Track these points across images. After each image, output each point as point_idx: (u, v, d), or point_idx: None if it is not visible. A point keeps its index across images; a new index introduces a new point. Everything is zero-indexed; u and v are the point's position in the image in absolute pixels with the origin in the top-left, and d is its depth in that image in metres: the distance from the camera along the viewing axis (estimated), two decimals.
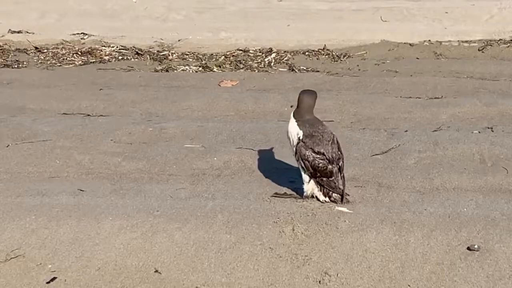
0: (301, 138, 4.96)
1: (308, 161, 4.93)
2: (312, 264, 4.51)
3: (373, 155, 5.88)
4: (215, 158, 5.85)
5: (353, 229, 4.72)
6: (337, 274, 4.45)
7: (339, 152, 4.98)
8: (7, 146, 6.14)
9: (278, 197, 5.14)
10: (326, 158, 4.91)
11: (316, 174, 4.93)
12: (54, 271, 4.53)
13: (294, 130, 5.01)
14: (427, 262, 4.50)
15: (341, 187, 4.95)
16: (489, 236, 4.64)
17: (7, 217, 4.88)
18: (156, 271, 4.52)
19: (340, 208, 4.93)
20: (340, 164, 4.97)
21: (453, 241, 4.60)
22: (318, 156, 4.91)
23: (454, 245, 4.58)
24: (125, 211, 4.96)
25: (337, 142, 5.01)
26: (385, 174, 5.54)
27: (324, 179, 4.93)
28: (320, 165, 4.92)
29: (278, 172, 5.60)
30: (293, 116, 5.04)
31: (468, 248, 4.55)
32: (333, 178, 4.93)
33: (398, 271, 4.46)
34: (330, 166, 4.91)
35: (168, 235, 4.72)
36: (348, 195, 5.03)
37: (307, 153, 4.93)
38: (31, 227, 4.80)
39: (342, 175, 4.98)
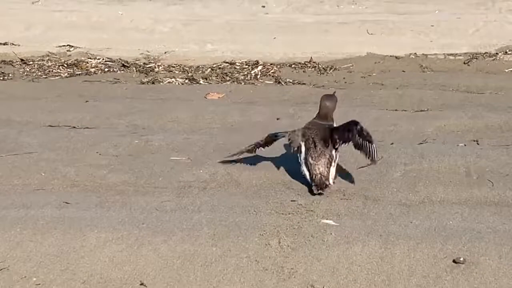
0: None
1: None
2: (298, 277, 4.51)
3: (359, 168, 5.88)
4: (201, 171, 5.84)
5: (339, 242, 4.71)
6: (323, 287, 4.44)
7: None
8: None
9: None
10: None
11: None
12: (39, 284, 4.50)
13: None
14: (413, 274, 4.49)
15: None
16: (474, 249, 4.64)
17: None
18: (142, 284, 4.50)
19: (326, 221, 4.93)
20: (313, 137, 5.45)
21: (439, 254, 4.61)
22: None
23: (440, 258, 4.58)
24: (111, 223, 4.94)
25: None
26: (371, 186, 5.55)
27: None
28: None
29: (264, 185, 5.59)
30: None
31: (454, 261, 4.55)
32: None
33: (384, 284, 4.45)
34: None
35: (153, 248, 4.70)
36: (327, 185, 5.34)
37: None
38: (15, 240, 4.77)
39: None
